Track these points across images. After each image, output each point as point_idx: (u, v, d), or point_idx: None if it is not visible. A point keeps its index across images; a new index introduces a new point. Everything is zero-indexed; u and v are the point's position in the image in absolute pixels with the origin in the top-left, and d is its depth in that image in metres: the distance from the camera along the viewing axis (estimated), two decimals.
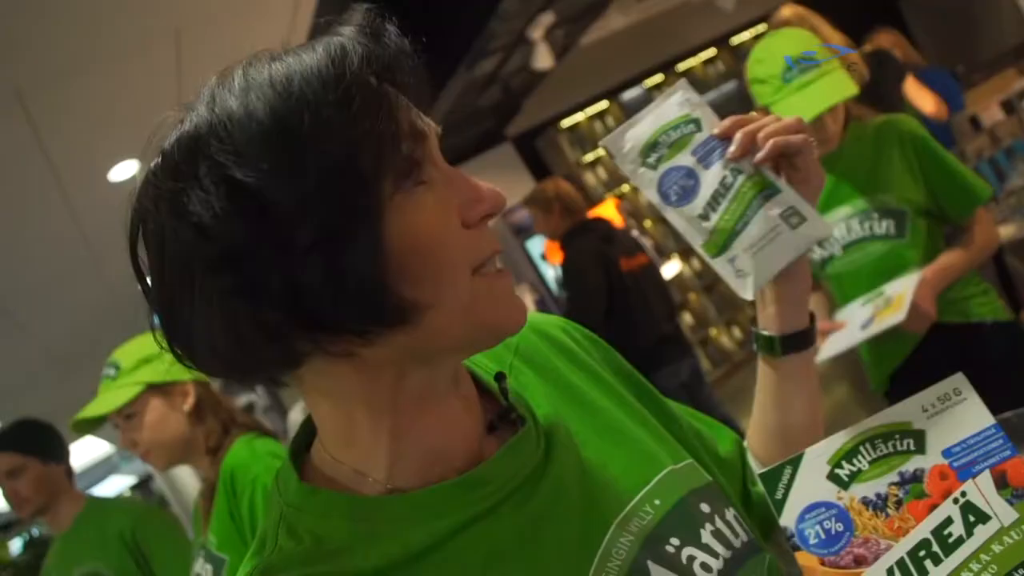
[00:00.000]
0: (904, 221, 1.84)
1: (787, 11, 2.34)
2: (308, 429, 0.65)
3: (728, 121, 0.73)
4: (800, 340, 0.78)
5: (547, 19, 4.50)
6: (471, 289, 0.56)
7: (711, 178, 0.73)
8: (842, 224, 1.88)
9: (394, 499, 0.58)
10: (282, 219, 0.50)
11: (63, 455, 2.40)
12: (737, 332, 7.22)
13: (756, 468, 0.80)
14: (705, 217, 0.73)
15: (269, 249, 0.51)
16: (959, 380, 0.65)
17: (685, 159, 0.74)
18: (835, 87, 1.69)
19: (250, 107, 0.52)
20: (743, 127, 0.72)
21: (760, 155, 0.71)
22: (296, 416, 4.45)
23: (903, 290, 1.79)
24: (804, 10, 2.24)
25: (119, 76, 3.13)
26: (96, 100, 3.18)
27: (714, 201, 0.73)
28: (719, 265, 0.73)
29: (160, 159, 0.55)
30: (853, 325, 1.84)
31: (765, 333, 0.78)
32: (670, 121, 0.75)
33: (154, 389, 1.70)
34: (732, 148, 0.72)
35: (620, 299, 3.42)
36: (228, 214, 0.51)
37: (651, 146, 0.75)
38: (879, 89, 1.71)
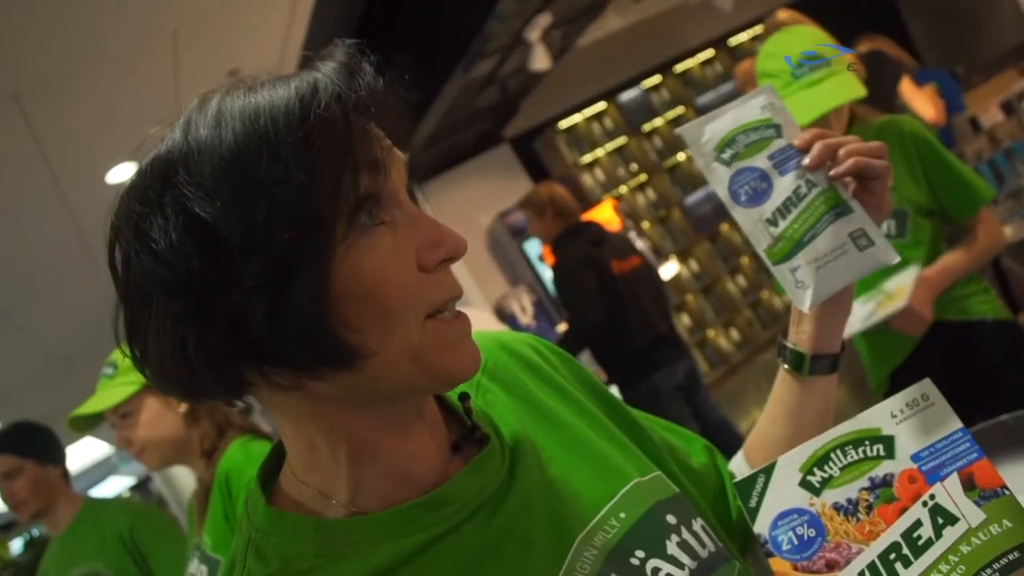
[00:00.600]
0: (905, 221, 1.84)
1: (783, 14, 2.36)
2: (278, 451, 0.66)
3: (810, 133, 0.73)
4: (829, 363, 0.78)
5: (544, 20, 4.49)
6: (420, 335, 0.56)
7: (784, 185, 0.73)
8: None
9: (357, 521, 0.59)
10: (232, 254, 0.52)
11: (60, 457, 2.41)
12: (735, 334, 7.21)
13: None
14: (773, 223, 0.73)
15: (218, 281, 0.52)
16: (927, 386, 0.66)
17: (760, 162, 0.74)
18: (843, 87, 1.70)
19: (217, 139, 0.53)
20: (824, 140, 0.72)
21: (839, 169, 0.71)
22: None
23: (903, 282, 1.80)
24: (799, 14, 2.26)
25: (117, 77, 3.14)
26: (94, 101, 3.19)
27: (784, 208, 0.72)
28: (780, 272, 0.73)
29: (136, 177, 0.57)
30: (855, 320, 1.85)
31: (796, 349, 0.78)
32: (750, 121, 0.75)
33: (150, 388, 1.71)
34: (809, 158, 0.72)
35: (613, 302, 3.40)
36: (183, 244, 0.52)
37: (728, 142, 0.75)
38: (875, 90, 1.72)
